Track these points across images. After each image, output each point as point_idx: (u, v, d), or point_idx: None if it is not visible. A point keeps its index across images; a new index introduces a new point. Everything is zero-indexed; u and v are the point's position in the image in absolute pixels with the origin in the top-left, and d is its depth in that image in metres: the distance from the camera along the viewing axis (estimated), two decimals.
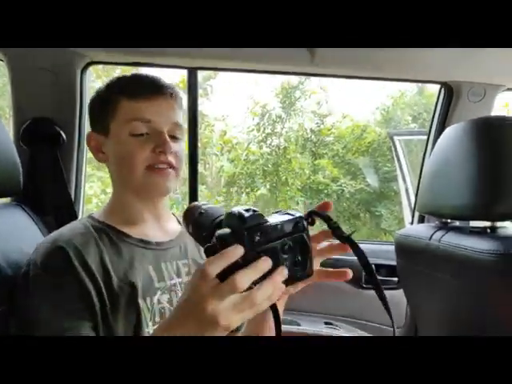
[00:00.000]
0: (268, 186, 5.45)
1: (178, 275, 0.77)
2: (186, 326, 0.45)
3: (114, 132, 0.75)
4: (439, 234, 0.90)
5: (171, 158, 0.74)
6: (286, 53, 1.22)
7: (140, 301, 0.69)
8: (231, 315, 0.42)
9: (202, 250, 0.48)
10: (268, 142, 5.64)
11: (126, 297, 0.68)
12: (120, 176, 0.77)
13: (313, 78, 5.37)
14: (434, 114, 1.46)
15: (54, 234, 0.72)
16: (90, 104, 0.81)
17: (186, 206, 0.60)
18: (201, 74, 4.98)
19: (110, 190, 0.82)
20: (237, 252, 0.43)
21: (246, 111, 5.56)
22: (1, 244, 0.76)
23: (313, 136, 5.63)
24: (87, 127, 1.29)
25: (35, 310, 0.63)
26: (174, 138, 0.76)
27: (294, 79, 5.41)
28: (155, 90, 0.75)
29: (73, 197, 1.26)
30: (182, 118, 0.81)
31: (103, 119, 0.76)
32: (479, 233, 0.82)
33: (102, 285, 0.66)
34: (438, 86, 1.43)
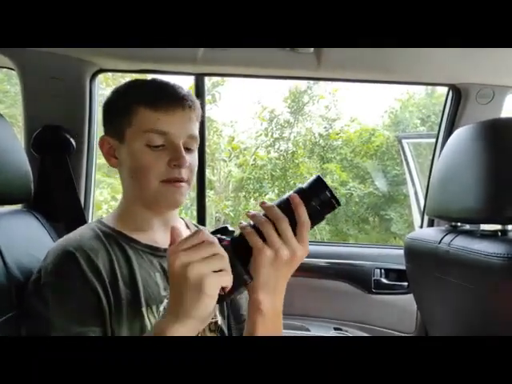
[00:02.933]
0: (276, 191, 5.44)
1: None
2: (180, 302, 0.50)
3: (129, 140, 0.73)
4: (449, 237, 0.89)
5: (185, 172, 0.73)
6: (293, 57, 1.22)
7: (145, 309, 0.69)
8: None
9: None
10: (276, 147, 5.64)
11: (131, 304, 0.68)
12: (132, 186, 0.76)
13: (321, 83, 5.36)
14: (443, 116, 1.45)
15: (64, 239, 0.71)
16: (105, 107, 0.79)
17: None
18: (209, 81, 5.00)
19: (119, 196, 0.82)
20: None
21: (253, 116, 5.57)
22: (12, 250, 0.77)
23: (321, 140, 5.62)
24: (97, 134, 1.31)
25: (46, 317, 0.63)
26: (188, 149, 0.75)
27: (301, 84, 5.41)
28: (174, 100, 0.73)
29: (83, 203, 1.28)
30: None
31: (118, 125, 0.74)
32: (490, 236, 0.81)
33: (110, 290, 0.66)
34: (447, 87, 1.42)
